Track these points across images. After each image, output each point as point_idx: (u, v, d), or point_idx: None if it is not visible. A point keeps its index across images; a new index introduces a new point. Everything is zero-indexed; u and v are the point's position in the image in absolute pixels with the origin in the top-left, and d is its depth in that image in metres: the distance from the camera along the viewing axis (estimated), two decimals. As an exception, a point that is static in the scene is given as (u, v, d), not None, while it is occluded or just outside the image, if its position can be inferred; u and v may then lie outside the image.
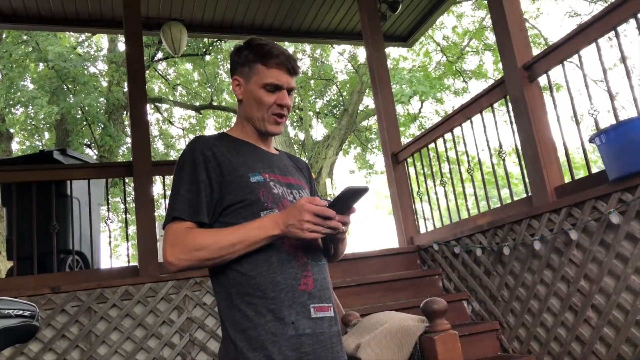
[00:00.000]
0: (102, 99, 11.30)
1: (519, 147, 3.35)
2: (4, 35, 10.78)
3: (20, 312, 1.60)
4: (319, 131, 14.24)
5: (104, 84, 12.22)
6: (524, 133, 3.24)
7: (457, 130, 4.00)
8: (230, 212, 1.39)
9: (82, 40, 12.46)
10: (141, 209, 3.68)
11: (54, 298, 3.18)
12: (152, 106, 13.05)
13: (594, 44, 2.84)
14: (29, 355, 3.06)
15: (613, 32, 2.78)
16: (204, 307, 3.40)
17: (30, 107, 10.89)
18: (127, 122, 11.26)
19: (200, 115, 14.10)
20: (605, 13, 2.73)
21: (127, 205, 4.68)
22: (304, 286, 1.37)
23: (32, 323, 1.63)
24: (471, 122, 3.78)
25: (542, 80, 3.26)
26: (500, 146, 3.57)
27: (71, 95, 10.99)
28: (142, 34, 4.36)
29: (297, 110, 13.37)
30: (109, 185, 4.91)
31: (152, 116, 13.51)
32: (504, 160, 3.56)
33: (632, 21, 2.67)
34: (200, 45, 11.82)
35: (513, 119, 3.36)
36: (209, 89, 13.30)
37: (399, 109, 12.85)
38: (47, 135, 12.87)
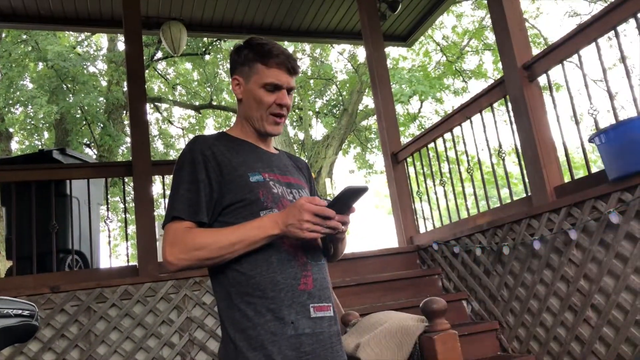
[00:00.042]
0: (101, 99, 11.29)
1: (519, 147, 3.35)
2: (3, 35, 10.77)
3: (20, 311, 1.60)
4: (318, 131, 14.25)
5: (104, 83, 12.22)
6: (524, 133, 3.24)
7: (456, 130, 4.01)
8: (229, 211, 1.39)
9: (81, 40, 12.46)
10: (141, 209, 3.68)
11: (54, 297, 3.18)
12: (152, 106, 13.04)
13: (593, 44, 2.84)
14: (28, 355, 3.06)
15: (613, 31, 2.78)
16: (204, 307, 3.40)
17: (30, 107, 10.89)
18: (126, 122, 11.26)
19: (200, 115, 14.09)
20: (605, 13, 2.73)
21: (126, 204, 4.68)
22: (304, 286, 1.37)
23: (32, 322, 1.63)
24: (471, 121, 3.78)
25: (542, 80, 3.26)
26: (500, 146, 3.58)
27: (70, 95, 10.98)
28: (142, 33, 4.36)
29: (296, 110, 13.37)
30: (108, 184, 4.90)
31: (151, 116, 13.51)
32: (503, 160, 3.56)
33: (632, 21, 2.67)
34: (200, 44, 11.81)
35: (513, 119, 3.36)
36: (209, 89, 13.29)
37: (399, 108, 12.85)
38: (46, 134, 12.87)
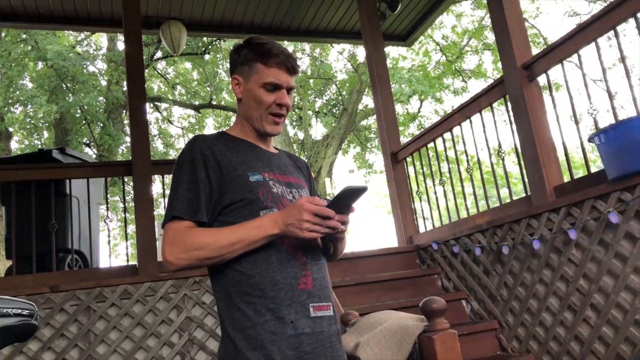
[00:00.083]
0: (101, 98, 11.29)
1: (518, 147, 3.35)
2: (3, 34, 10.76)
3: (19, 311, 1.60)
4: (318, 130, 14.25)
5: (103, 82, 12.22)
6: (523, 132, 3.24)
7: (456, 130, 4.01)
8: (229, 211, 1.39)
9: (81, 39, 12.46)
10: (140, 208, 3.68)
11: (53, 297, 3.18)
12: (152, 105, 13.04)
13: (593, 44, 2.84)
14: (27, 354, 3.06)
15: (612, 31, 2.78)
16: (203, 306, 3.40)
17: (30, 106, 10.89)
18: (126, 121, 11.26)
19: (200, 115, 14.09)
20: (605, 12, 2.73)
21: (126, 204, 4.68)
22: (303, 285, 1.37)
23: (31, 322, 1.63)
24: (470, 121, 3.78)
25: (542, 79, 3.26)
26: (500, 146, 3.58)
27: (70, 94, 10.98)
28: (142, 33, 4.36)
29: (296, 110, 13.37)
30: (108, 184, 4.90)
31: (151, 115, 13.51)
32: (503, 159, 3.56)
33: (632, 21, 2.67)
34: (200, 44, 11.81)
35: (512, 119, 3.36)
36: (208, 88, 13.29)
37: (398, 108, 12.85)
38: (46, 134, 12.87)
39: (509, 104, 3.38)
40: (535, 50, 3.40)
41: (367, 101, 13.01)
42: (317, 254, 1.45)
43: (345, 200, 1.31)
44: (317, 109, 13.90)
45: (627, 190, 2.49)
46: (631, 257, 2.49)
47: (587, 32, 2.84)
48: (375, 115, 6.66)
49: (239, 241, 1.33)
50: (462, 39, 13.10)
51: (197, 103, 13.68)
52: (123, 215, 5.91)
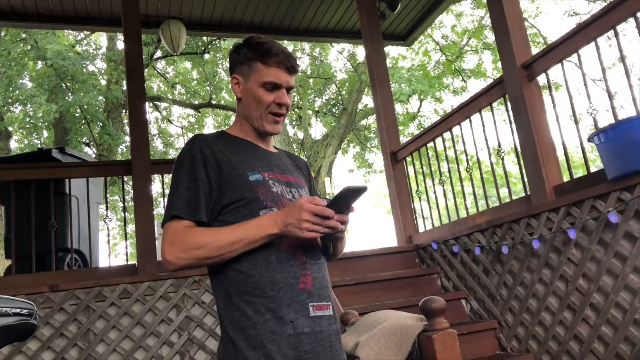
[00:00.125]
0: (100, 98, 11.29)
1: (518, 146, 3.35)
2: (2, 33, 10.76)
3: (18, 310, 1.60)
4: (318, 130, 14.25)
5: (103, 82, 12.21)
6: (523, 132, 3.24)
7: (456, 129, 4.01)
8: (229, 210, 1.39)
9: (80, 39, 12.45)
10: (140, 208, 3.68)
11: (53, 296, 3.18)
12: (151, 105, 13.03)
13: (593, 43, 2.84)
14: (27, 354, 3.06)
15: (612, 31, 2.78)
16: (203, 306, 3.40)
17: (29, 105, 10.89)
18: (125, 121, 11.26)
19: (199, 114, 14.09)
20: (605, 12, 2.73)
21: (125, 203, 4.68)
22: (303, 285, 1.37)
23: (30, 321, 1.63)
24: (470, 121, 3.78)
25: (541, 79, 3.26)
26: (499, 145, 3.58)
27: (70, 94, 10.97)
28: (141, 32, 4.36)
29: (296, 109, 13.37)
30: (107, 183, 4.90)
31: (151, 115, 13.50)
32: (502, 159, 3.56)
33: (631, 20, 2.67)
34: (199, 43, 11.80)
35: (512, 118, 3.36)
36: (208, 88, 13.28)
37: (398, 107, 12.84)
38: (45, 133, 12.86)
39: (509, 104, 3.38)
40: (535, 50, 3.39)
41: (367, 101, 13.02)
42: (316, 254, 1.44)
43: (345, 200, 1.31)
44: (316, 109, 13.90)
45: (627, 190, 2.49)
46: (630, 257, 2.49)
47: (586, 32, 2.84)
48: (374, 115, 6.66)
49: (238, 241, 1.32)
50: (462, 39, 13.10)
51: (196, 102, 13.67)
52: (122, 215, 5.91)
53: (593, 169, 2.94)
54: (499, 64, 4.44)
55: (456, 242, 3.67)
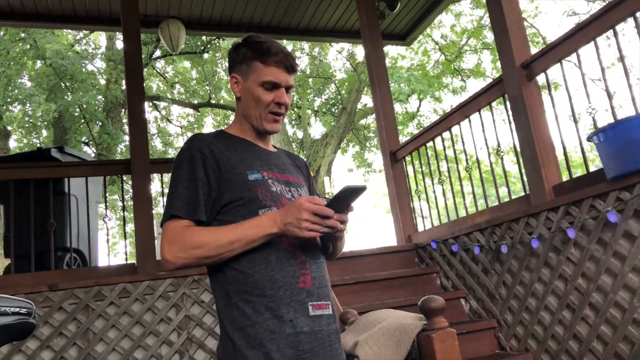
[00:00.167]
0: (100, 97, 11.27)
1: (517, 146, 3.35)
2: (1, 33, 10.75)
3: (17, 309, 1.60)
4: (317, 129, 14.24)
5: (102, 81, 12.20)
6: (522, 132, 3.24)
7: (455, 129, 4.01)
8: (228, 210, 1.39)
9: (80, 38, 12.44)
10: (139, 207, 3.68)
11: (52, 296, 3.17)
12: (150, 104, 13.02)
13: (592, 43, 2.84)
14: (26, 353, 3.06)
15: (611, 31, 2.78)
16: (202, 305, 3.40)
17: (28, 105, 10.88)
18: (125, 120, 11.24)
19: (199, 113, 14.07)
20: (604, 12, 2.74)
21: (125, 202, 4.68)
22: (302, 284, 1.37)
23: (29, 321, 1.63)
24: (469, 120, 3.78)
25: (541, 79, 3.27)
26: (499, 145, 3.58)
27: (69, 93, 10.96)
28: (140, 31, 4.36)
29: (295, 109, 13.36)
30: (106, 183, 4.90)
31: (150, 114, 13.48)
32: (502, 158, 3.57)
33: (631, 20, 2.67)
34: (199, 43, 11.79)
35: (511, 118, 3.36)
36: (207, 87, 13.27)
37: (397, 107, 12.84)
38: (44, 132, 12.84)
39: (508, 103, 3.39)
40: (534, 50, 3.40)
41: (366, 100, 13.01)
42: (316, 253, 1.45)
43: (345, 199, 1.31)
44: (316, 108, 13.89)
45: (626, 190, 2.49)
46: (630, 256, 2.49)
47: (586, 32, 2.84)
48: (374, 115, 6.66)
49: (237, 240, 1.32)
50: (461, 38, 13.09)
51: (196, 102, 13.66)
52: (122, 214, 5.91)
53: (592, 169, 2.95)
54: (498, 64, 4.44)
55: (455, 241, 3.67)
